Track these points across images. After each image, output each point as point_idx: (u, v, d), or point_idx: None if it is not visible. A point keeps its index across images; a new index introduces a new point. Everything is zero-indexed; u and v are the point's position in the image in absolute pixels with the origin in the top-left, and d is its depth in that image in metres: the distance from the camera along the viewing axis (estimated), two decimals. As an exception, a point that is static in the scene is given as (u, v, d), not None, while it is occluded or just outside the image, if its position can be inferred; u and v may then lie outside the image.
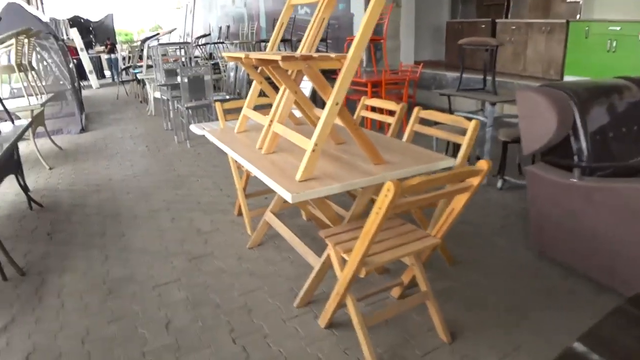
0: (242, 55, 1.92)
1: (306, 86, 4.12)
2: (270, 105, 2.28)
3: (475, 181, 1.65)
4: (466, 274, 2.46)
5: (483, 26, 6.95)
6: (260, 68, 2.44)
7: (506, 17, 6.93)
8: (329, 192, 1.62)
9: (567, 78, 5.89)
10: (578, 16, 5.95)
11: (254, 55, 1.74)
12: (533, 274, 2.46)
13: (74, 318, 2.21)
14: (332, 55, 1.57)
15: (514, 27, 6.48)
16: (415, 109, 2.54)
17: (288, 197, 1.53)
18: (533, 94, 2.51)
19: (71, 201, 3.79)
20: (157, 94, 6.92)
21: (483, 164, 1.61)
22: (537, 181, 2.62)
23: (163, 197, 3.74)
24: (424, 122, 2.55)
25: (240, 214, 3.21)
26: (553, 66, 6.08)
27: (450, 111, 4.14)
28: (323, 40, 7.13)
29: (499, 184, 3.82)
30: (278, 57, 1.45)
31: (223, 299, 2.29)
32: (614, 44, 5.31)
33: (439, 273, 2.46)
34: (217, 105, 2.87)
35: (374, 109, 3.38)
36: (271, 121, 2.07)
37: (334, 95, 1.59)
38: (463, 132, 2.28)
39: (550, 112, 2.44)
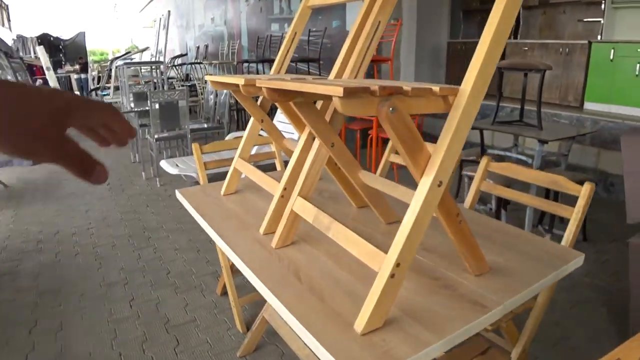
0: (239, 80, 1.12)
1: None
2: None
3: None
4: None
5: (490, 47, 6.31)
6: (260, 100, 1.64)
7: (515, 37, 6.32)
8: (424, 362, 0.81)
9: (588, 105, 5.26)
10: (599, 37, 5.35)
11: (266, 83, 0.93)
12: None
13: None
14: (434, 87, 0.78)
15: (526, 48, 5.85)
16: (484, 160, 1.76)
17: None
18: (651, 139, 1.77)
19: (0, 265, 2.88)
20: (125, 120, 6.03)
21: None
22: (647, 258, 1.87)
23: (121, 262, 2.86)
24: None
25: (225, 292, 2.36)
26: (572, 92, 5.46)
27: (483, 149, 3.39)
28: (314, 60, 6.38)
29: (547, 238, 3.07)
30: (337, 91, 0.65)
31: None
32: (645, 68, 4.70)
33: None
34: (195, 148, 2.04)
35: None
36: (285, 189, 1.26)
37: (437, 169, 0.79)
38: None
39: (680, 166, 1.70)
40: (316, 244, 1.23)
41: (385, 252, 0.86)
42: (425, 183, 0.80)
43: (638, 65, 4.74)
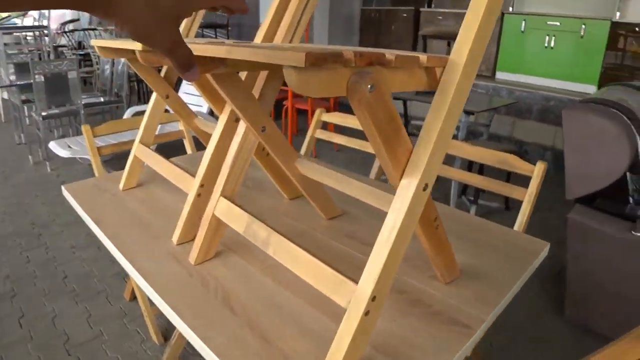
0: (135, 45, 0.82)
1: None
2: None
3: None
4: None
5: (405, 15, 6.24)
6: (165, 70, 1.32)
7: (429, 6, 6.28)
8: None
9: (500, 75, 5.40)
10: (511, 8, 5.45)
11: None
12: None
13: None
14: (422, 56, 0.55)
15: (440, 17, 5.84)
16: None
17: None
18: (594, 117, 1.70)
19: None
20: (6, 94, 5.24)
21: None
22: (584, 234, 1.84)
23: (6, 268, 2.39)
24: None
25: (135, 297, 2.04)
26: (484, 61, 5.55)
27: (407, 120, 3.28)
28: (222, 26, 5.93)
29: (473, 210, 3.06)
30: (297, 59, 0.39)
31: None
32: (553, 40, 4.88)
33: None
34: (85, 130, 1.67)
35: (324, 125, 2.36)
36: (202, 186, 0.99)
37: (424, 168, 0.57)
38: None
39: (621, 144, 1.66)
40: (247, 255, 0.97)
41: (345, 273, 0.63)
42: (407, 187, 0.58)
43: (547, 37, 4.92)
